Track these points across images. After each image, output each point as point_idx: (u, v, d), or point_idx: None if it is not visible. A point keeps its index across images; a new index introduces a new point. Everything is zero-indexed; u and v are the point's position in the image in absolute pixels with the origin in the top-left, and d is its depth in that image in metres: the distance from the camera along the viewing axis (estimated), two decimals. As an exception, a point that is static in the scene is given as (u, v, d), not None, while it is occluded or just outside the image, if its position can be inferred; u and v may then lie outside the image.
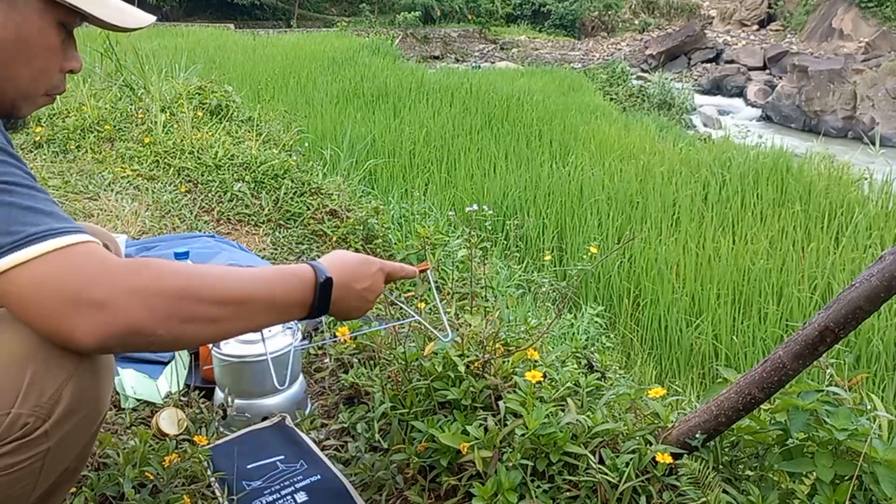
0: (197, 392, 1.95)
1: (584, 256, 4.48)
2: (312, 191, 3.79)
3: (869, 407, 1.50)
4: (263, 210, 3.60)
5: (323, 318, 2.33)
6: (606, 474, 1.41)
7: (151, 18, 1.12)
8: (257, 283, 1.02)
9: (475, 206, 3.03)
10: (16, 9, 0.97)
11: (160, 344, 0.92)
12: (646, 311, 4.66)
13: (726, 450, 1.54)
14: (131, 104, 5.18)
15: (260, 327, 1.06)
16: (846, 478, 1.35)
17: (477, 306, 1.97)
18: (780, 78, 19.71)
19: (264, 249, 3.22)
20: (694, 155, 8.17)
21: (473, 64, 21.67)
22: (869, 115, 15.81)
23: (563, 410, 1.58)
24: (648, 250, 5.29)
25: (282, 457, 1.63)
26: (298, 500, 1.51)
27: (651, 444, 1.47)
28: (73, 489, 1.38)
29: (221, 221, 3.54)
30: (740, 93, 20.25)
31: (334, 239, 3.26)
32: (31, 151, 4.29)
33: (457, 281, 2.63)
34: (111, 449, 1.50)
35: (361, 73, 12.05)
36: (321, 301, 1.09)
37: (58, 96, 1.10)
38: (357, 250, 3.17)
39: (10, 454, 0.93)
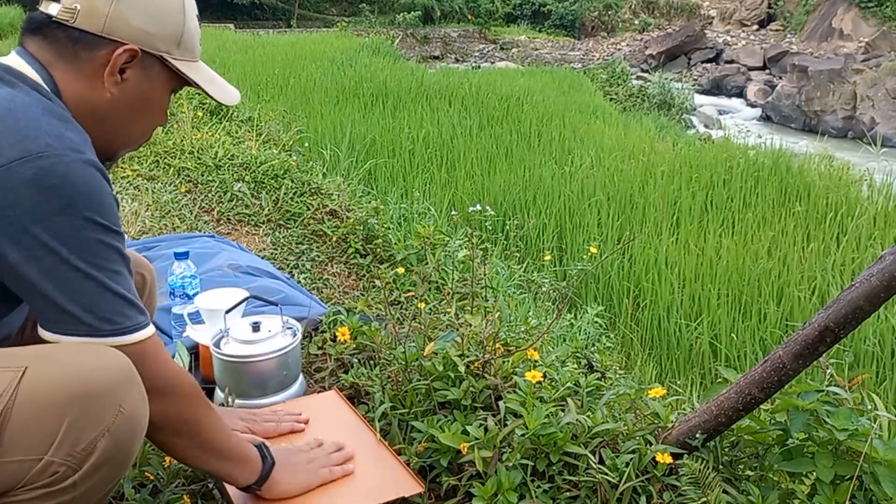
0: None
1: (584, 256, 4.48)
2: (312, 191, 3.79)
3: (869, 407, 1.50)
4: (263, 210, 3.60)
5: (322, 318, 2.33)
6: (606, 474, 1.41)
7: (239, 97, 1.31)
8: (228, 441, 1.27)
9: (478, 206, 3.03)
10: (149, 78, 1.15)
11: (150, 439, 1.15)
12: (646, 311, 4.66)
13: (726, 450, 1.54)
14: (131, 104, 5.18)
15: (210, 473, 1.41)
16: (846, 478, 1.35)
17: (477, 306, 1.96)
18: (780, 78, 19.69)
19: (264, 249, 3.22)
20: (694, 155, 8.16)
21: (473, 64, 21.65)
22: (869, 115, 15.80)
23: (563, 410, 1.59)
24: (648, 250, 5.29)
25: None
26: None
27: (651, 444, 1.47)
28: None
29: (221, 221, 3.54)
30: (740, 93, 20.23)
31: (334, 239, 3.26)
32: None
33: (457, 281, 2.63)
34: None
35: (361, 73, 12.04)
36: (258, 482, 1.32)
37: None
38: (357, 250, 3.17)
39: (35, 500, 0.93)
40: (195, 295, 2.38)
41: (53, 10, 1.09)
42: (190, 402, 1.16)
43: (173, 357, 2.04)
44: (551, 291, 3.88)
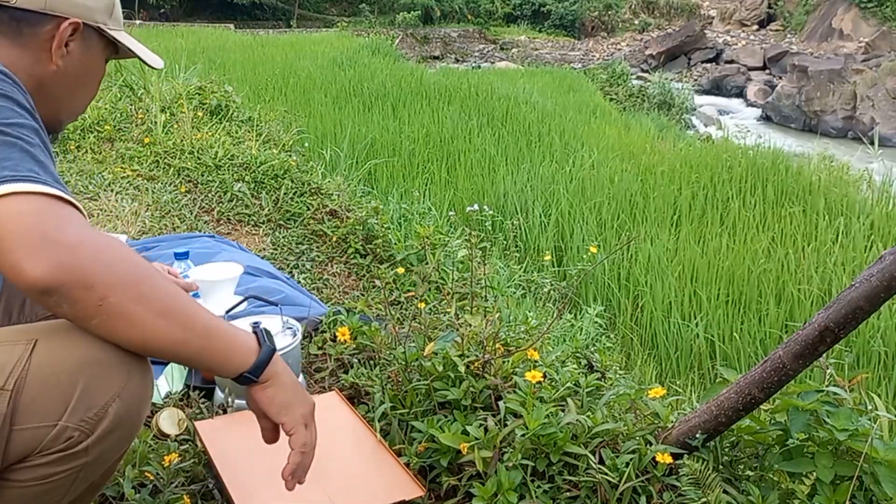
0: (197, 392, 1.95)
1: (584, 256, 4.48)
2: (312, 191, 3.79)
3: (869, 407, 1.50)
4: (263, 210, 3.60)
5: (322, 318, 2.33)
6: (606, 474, 1.41)
7: (162, 63, 1.37)
8: (206, 315, 1.00)
9: (476, 207, 3.03)
10: (90, 49, 1.20)
11: (99, 317, 0.90)
12: (646, 311, 4.66)
13: (726, 450, 1.54)
14: (131, 104, 5.18)
15: (185, 356, 1.00)
16: (846, 478, 1.35)
17: (477, 306, 1.96)
18: (780, 78, 19.71)
19: (264, 249, 3.22)
20: (694, 155, 8.16)
21: (473, 64, 21.67)
22: (869, 115, 15.81)
23: (563, 410, 1.58)
24: (648, 250, 5.29)
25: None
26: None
27: (651, 444, 1.47)
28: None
29: (221, 221, 3.54)
30: (740, 93, 20.26)
31: (334, 239, 3.26)
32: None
33: (457, 281, 2.63)
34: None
35: (361, 73, 12.05)
36: (258, 367, 1.04)
37: None
38: (357, 250, 3.17)
39: (49, 465, 0.95)
40: (195, 295, 2.38)
41: None
42: (132, 252, 0.95)
43: (173, 357, 2.05)
44: (551, 291, 3.88)
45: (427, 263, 2.76)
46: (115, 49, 1.26)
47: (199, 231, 3.33)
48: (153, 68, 1.36)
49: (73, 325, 0.97)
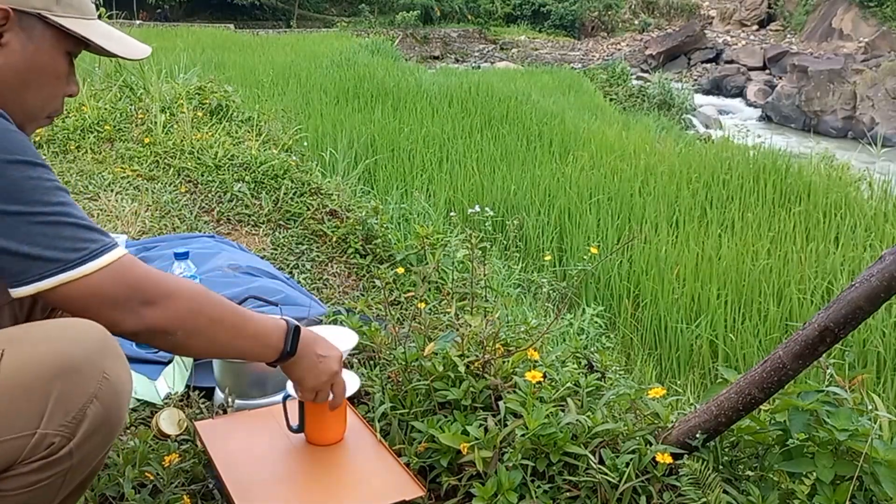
0: (197, 392, 1.95)
1: (584, 256, 4.48)
2: (312, 191, 3.79)
3: (869, 407, 1.50)
4: (263, 210, 3.60)
5: (322, 319, 2.33)
6: (606, 474, 1.41)
7: (149, 50, 1.26)
8: (248, 319, 1.19)
9: (477, 208, 3.03)
10: (32, 40, 1.07)
11: (170, 345, 1.10)
12: (646, 311, 4.66)
13: (726, 450, 1.54)
14: (131, 104, 5.18)
15: (239, 356, 1.25)
16: (846, 478, 1.35)
17: (477, 306, 1.96)
18: (780, 78, 19.73)
19: (264, 249, 3.22)
20: (694, 155, 8.16)
21: (473, 64, 21.68)
22: (869, 115, 15.82)
23: (563, 411, 1.58)
24: (648, 250, 5.29)
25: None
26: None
27: (651, 445, 1.47)
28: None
29: (221, 221, 3.54)
30: (740, 93, 20.27)
31: (334, 239, 3.26)
32: (31, 152, 4.28)
33: (456, 281, 2.63)
34: (111, 449, 1.50)
35: (361, 73, 12.05)
36: (292, 346, 1.24)
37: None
38: (357, 250, 3.17)
39: (35, 472, 0.95)
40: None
41: None
42: (191, 296, 1.10)
43: (172, 359, 2.05)
44: (551, 291, 3.88)
45: (427, 263, 2.76)
46: (83, 41, 1.12)
47: (199, 231, 3.33)
48: (129, 59, 1.24)
49: (37, 329, 1.00)
